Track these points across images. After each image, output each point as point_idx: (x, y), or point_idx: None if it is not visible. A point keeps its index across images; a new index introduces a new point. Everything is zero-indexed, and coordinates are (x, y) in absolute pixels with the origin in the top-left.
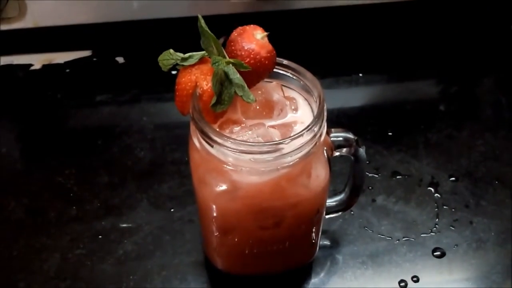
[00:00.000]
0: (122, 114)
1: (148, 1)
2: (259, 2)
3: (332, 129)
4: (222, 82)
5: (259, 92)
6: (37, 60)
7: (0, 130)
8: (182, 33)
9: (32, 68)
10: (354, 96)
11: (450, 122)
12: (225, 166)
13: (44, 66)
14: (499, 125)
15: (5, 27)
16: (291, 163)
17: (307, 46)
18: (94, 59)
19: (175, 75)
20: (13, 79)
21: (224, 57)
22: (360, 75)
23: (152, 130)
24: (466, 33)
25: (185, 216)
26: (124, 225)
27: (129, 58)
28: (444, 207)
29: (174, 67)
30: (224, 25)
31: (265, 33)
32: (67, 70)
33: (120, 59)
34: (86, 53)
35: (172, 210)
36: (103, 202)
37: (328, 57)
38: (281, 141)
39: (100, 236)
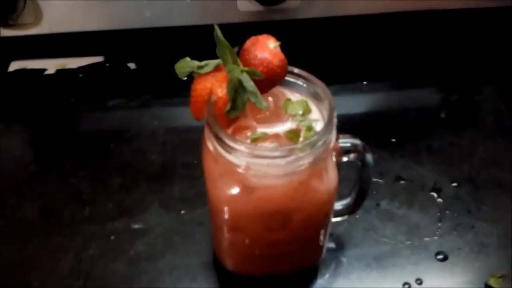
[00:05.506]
0: (133, 119)
1: (159, 10)
2: (267, 11)
3: (341, 135)
4: (236, 89)
5: (271, 98)
6: (51, 65)
7: (14, 133)
8: (192, 41)
9: (46, 72)
10: (358, 103)
11: (451, 129)
12: (238, 169)
13: (57, 71)
14: (499, 132)
15: (21, 32)
16: (303, 167)
17: (312, 54)
18: (107, 64)
19: (185, 81)
20: (28, 83)
21: (239, 65)
22: (364, 82)
23: (163, 134)
24: (466, 42)
25: (195, 218)
26: (136, 226)
27: (141, 64)
28: (447, 211)
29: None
30: (233, 34)
31: (278, 43)
32: (80, 75)
33: (132, 65)
34: (98, 59)
35: (182, 212)
36: (115, 203)
37: (333, 65)
38: (293, 146)
39: (112, 237)
